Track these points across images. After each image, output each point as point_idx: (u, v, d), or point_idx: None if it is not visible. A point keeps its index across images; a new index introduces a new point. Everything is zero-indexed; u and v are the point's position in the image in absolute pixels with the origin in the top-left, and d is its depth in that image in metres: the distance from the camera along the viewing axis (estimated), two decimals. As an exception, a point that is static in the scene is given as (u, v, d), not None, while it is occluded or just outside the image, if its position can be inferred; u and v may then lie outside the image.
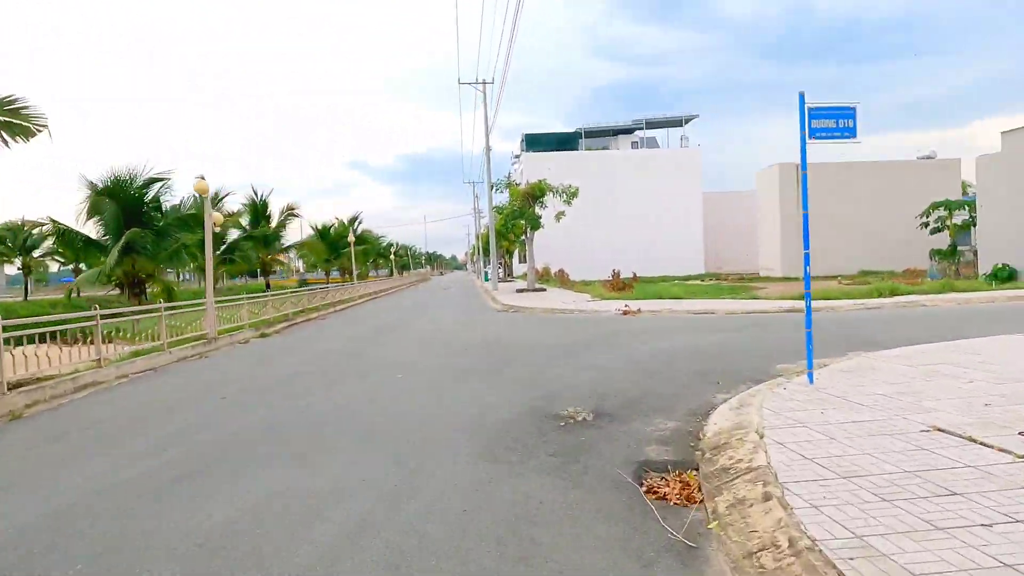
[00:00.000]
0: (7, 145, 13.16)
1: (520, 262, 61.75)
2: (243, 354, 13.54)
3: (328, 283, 34.78)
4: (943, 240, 37.45)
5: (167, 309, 12.41)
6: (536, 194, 31.77)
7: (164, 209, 18.26)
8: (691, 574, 3.43)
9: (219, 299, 16.17)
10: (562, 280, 43.68)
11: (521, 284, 36.47)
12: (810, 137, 7.21)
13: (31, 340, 9.33)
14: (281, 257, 65.64)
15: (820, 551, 3.21)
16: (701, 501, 4.46)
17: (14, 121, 13.11)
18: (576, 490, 4.67)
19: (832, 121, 7.24)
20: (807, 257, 7.48)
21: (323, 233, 41.89)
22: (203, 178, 13.43)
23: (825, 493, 3.96)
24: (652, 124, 62.77)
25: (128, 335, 11.93)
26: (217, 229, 14.82)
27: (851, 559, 3.11)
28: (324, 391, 8.64)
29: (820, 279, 40.78)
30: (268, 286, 28.98)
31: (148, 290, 17.86)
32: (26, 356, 8.86)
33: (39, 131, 13.41)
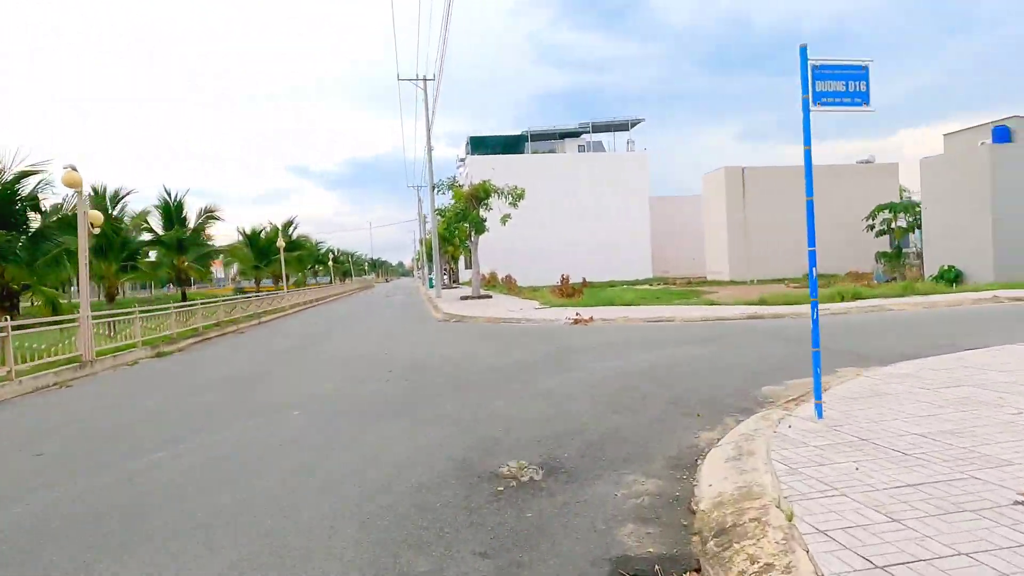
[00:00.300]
0: None
1: (467, 268, 59.81)
2: (120, 381, 11.20)
3: (259, 292, 32.07)
4: (887, 243, 37.57)
5: (16, 328, 9.98)
6: (480, 196, 29.98)
7: (44, 209, 15.64)
8: None
9: (105, 313, 13.74)
10: (509, 286, 42.02)
11: (467, 291, 34.59)
12: (815, 103, 5.63)
13: None
14: (216, 264, 61.80)
15: None
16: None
17: None
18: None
19: (841, 83, 5.68)
20: (813, 255, 5.89)
21: (251, 238, 38.94)
22: (74, 169, 11.08)
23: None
24: (598, 127, 61.89)
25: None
26: (96, 230, 12.41)
27: None
28: (182, 442, 6.53)
29: (767, 282, 40.40)
30: (184, 296, 26.22)
31: (28, 303, 15.26)
32: None
33: None
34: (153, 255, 26.97)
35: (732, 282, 41.72)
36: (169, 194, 25.54)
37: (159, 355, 14.30)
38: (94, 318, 12.34)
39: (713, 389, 7.67)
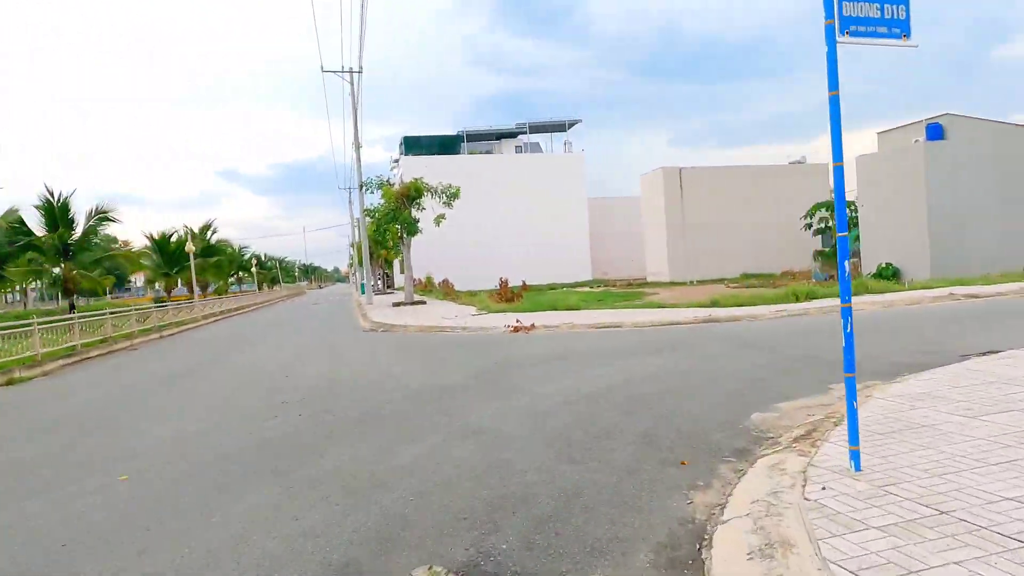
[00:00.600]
0: None
1: (402, 272, 57.41)
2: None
3: (168, 302, 28.93)
4: (821, 241, 37.57)
5: None
6: (412, 195, 27.89)
7: None
8: None
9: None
10: (446, 291, 39.97)
11: (401, 296, 32.37)
12: (843, 32, 4.00)
13: None
14: (141, 274, 57.03)
15: None
16: None
17: None
18: None
19: (875, 8, 4.08)
20: (844, 243, 4.27)
21: (160, 243, 35.41)
22: None
23: None
24: (536, 128, 60.62)
25: None
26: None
27: None
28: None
29: (706, 283, 39.80)
30: (72, 307, 23.06)
31: None
32: None
33: None
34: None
35: (672, 283, 40.98)
36: (52, 193, 22.25)
37: (9, 383, 11.66)
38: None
39: (691, 418, 6.00)
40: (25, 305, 54.62)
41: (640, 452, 5.09)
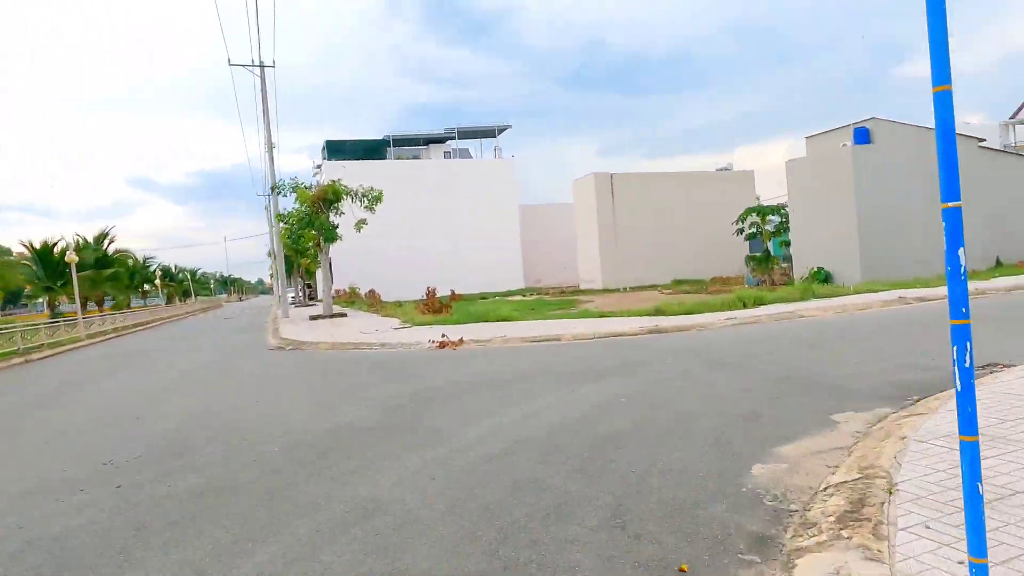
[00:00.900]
0: None
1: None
2: None
3: (62, 317, 25.35)
4: (751, 247, 37.41)
5: None
6: (330, 198, 25.53)
7: None
8: None
9: None
10: (372, 301, 37.48)
11: (321, 308, 29.74)
12: None
13: None
14: (27, 283, 51.37)
15: None
16: None
17: None
18: None
19: None
20: (955, 218, 2.61)
21: (42, 253, 31.37)
22: None
23: None
24: (465, 134, 58.90)
25: None
26: None
27: None
28: None
29: (639, 289, 38.98)
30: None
31: None
32: None
33: None
34: None
35: (605, 290, 40.01)
36: None
37: None
38: None
39: (673, 478, 4.28)
40: None
41: (612, 545, 3.32)
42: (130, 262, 43.61)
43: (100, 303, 37.85)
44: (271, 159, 29.55)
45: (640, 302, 26.66)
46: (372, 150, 58.10)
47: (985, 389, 5.74)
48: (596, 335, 13.09)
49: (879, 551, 2.92)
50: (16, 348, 17.75)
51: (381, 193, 26.54)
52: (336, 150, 57.06)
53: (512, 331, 14.63)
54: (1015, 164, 28.66)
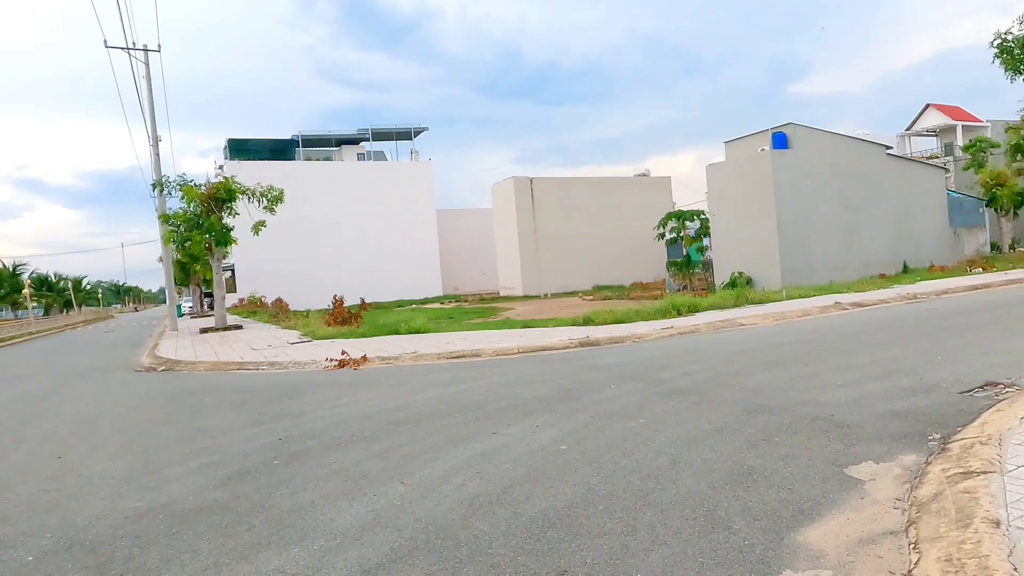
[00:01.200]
0: None
1: (228, 291, 50.13)
2: None
3: None
4: (672, 252, 37.05)
5: None
6: (222, 197, 22.71)
7: None
8: None
9: None
10: (277, 312, 34.43)
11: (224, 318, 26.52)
12: None
13: None
14: None
15: None
16: None
17: None
18: None
19: None
20: None
21: None
22: None
23: None
24: (380, 135, 56.26)
25: None
26: None
27: None
28: None
29: (560, 296, 37.86)
30: None
31: None
32: None
33: None
34: None
35: (526, 297, 38.66)
36: None
37: None
38: None
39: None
40: None
41: None
42: (-6, 270, 38.29)
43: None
44: (156, 154, 26.23)
45: (564, 309, 25.33)
46: (280, 151, 54.46)
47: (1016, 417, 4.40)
48: (522, 350, 11.40)
49: None
50: None
51: (282, 192, 23.94)
52: (240, 149, 53.08)
53: (426, 345, 12.71)
54: (918, 171, 29.42)
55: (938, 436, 4.61)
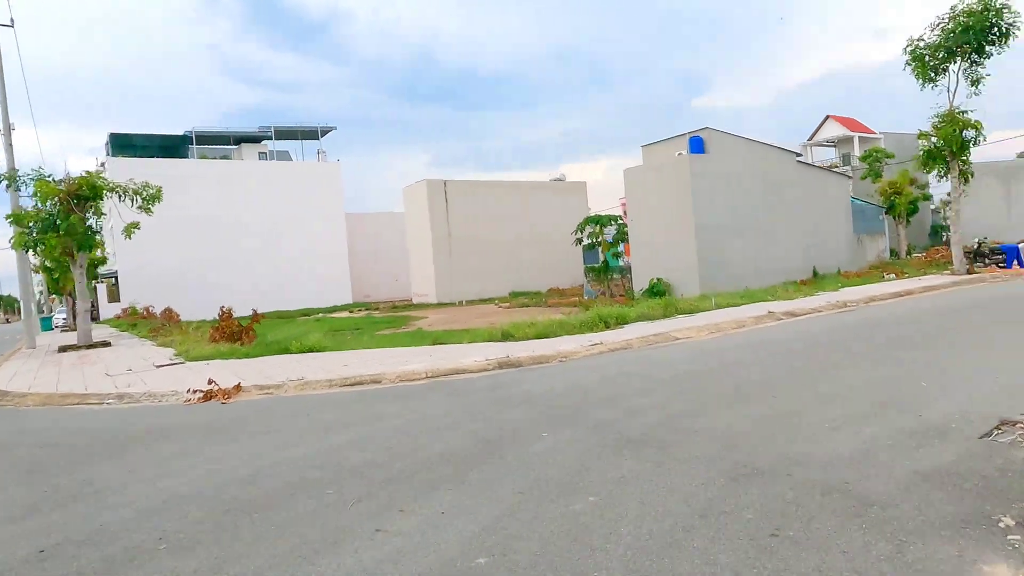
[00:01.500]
0: None
1: (110, 301, 45.10)
2: None
3: None
4: (590, 257, 36.21)
5: None
6: (85, 194, 19.49)
7: None
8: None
9: None
10: (162, 325, 30.75)
11: (96, 334, 22.90)
12: None
13: None
14: None
15: None
16: None
17: None
18: None
19: None
20: None
21: None
22: None
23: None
24: (284, 134, 52.66)
25: None
26: None
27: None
28: None
29: (475, 303, 36.17)
30: None
31: None
32: None
33: None
34: None
35: (440, 304, 36.74)
36: None
37: None
38: None
39: None
40: None
41: None
42: None
43: None
44: (9, 144, 22.46)
45: (480, 318, 23.64)
46: (171, 148, 49.78)
47: None
48: (430, 374, 9.58)
49: None
50: None
51: (159, 191, 20.90)
52: (124, 145, 48.11)
53: (317, 369, 10.63)
54: (826, 179, 29.84)
55: (1011, 521, 3.23)
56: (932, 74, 18.32)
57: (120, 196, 20.43)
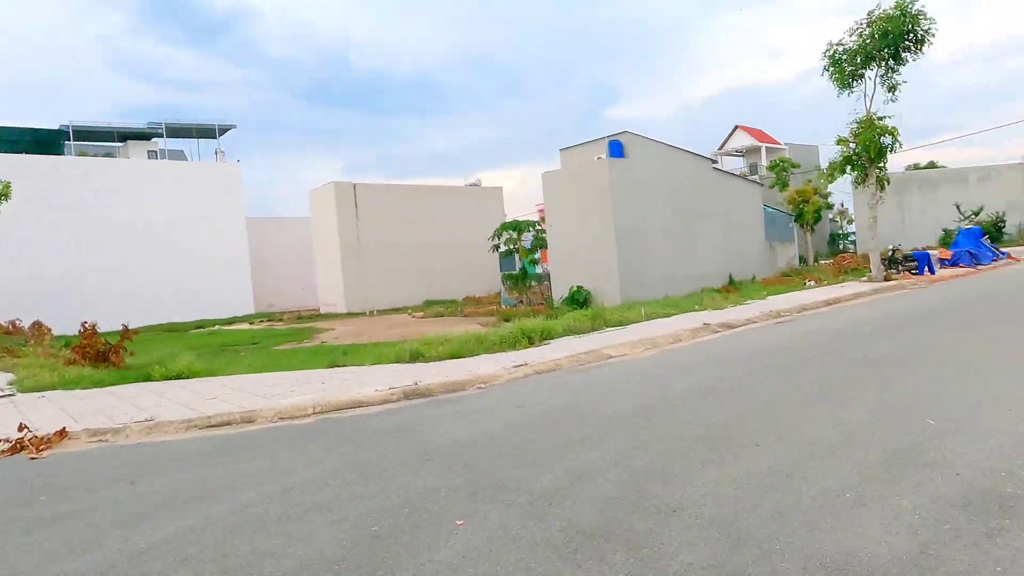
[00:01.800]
0: None
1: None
2: None
3: None
4: (508, 264, 34.85)
5: None
6: (-97, 190, 16.00)
7: None
8: None
9: None
10: (27, 342, 26.57)
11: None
12: None
13: None
14: None
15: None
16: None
17: None
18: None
19: None
20: None
21: None
22: None
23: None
24: (176, 131, 48.28)
25: None
26: None
27: None
28: None
29: (388, 313, 33.93)
30: None
31: None
32: None
33: None
34: None
35: (350, 314, 34.20)
36: None
37: None
38: None
39: None
40: None
41: None
42: None
43: None
44: None
45: (391, 329, 21.57)
46: (44, 144, 44.33)
47: None
48: (320, 408, 7.65)
49: None
50: None
51: (7, 187, 17.63)
52: (-13, 138, 42.33)
53: (177, 404, 8.41)
54: (740, 186, 29.87)
55: None
56: (850, 80, 18.13)
57: (-46, 192, 17.05)
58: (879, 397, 5.88)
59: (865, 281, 19.12)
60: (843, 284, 19.18)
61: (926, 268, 19.76)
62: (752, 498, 3.71)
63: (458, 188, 44.79)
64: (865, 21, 17.36)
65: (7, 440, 7.17)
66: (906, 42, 16.86)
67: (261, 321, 36.12)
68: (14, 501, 5.10)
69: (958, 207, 32.31)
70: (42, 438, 7.16)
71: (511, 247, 30.24)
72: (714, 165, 28.81)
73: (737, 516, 3.48)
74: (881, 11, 17.01)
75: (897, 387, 6.18)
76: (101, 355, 15.66)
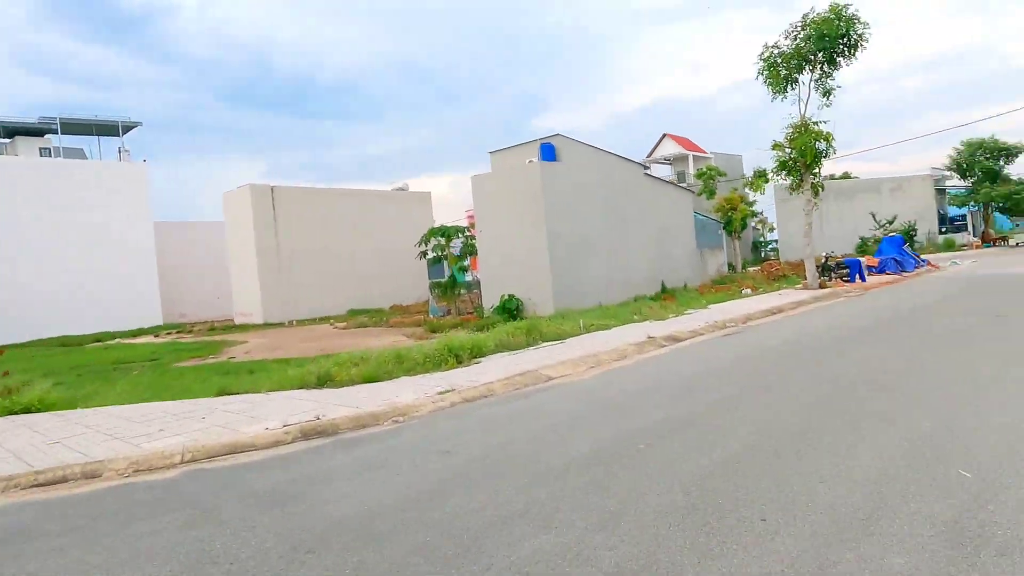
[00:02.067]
0: None
1: None
2: None
3: None
4: (436, 271, 33.24)
5: None
6: None
7: None
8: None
9: None
10: None
11: None
12: None
13: None
14: None
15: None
16: None
17: None
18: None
19: None
20: None
21: None
22: None
23: None
24: (72, 127, 43.95)
25: None
26: None
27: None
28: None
29: (309, 323, 31.64)
30: None
31: None
32: None
33: None
34: None
35: (267, 325, 31.68)
36: None
37: None
38: None
39: None
40: None
41: None
42: None
43: None
44: None
45: (307, 342, 19.61)
46: (-84, 137, 39.26)
47: None
48: (189, 455, 5.95)
49: None
50: None
51: None
52: None
53: (5, 452, 6.46)
54: (672, 193, 29.47)
55: None
56: (785, 84, 17.74)
57: None
58: (883, 434, 4.81)
59: (801, 288, 18.79)
60: (780, 292, 18.76)
61: (857, 275, 19.67)
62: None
63: (384, 193, 42.80)
64: (800, 24, 17.05)
65: None
66: (840, 46, 16.60)
67: (168, 333, 32.96)
68: None
69: (874, 216, 33.23)
70: None
71: (439, 254, 28.64)
72: (646, 171, 28.28)
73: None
74: (815, 14, 16.72)
75: (899, 420, 5.14)
76: (-49, 380, 13.05)
